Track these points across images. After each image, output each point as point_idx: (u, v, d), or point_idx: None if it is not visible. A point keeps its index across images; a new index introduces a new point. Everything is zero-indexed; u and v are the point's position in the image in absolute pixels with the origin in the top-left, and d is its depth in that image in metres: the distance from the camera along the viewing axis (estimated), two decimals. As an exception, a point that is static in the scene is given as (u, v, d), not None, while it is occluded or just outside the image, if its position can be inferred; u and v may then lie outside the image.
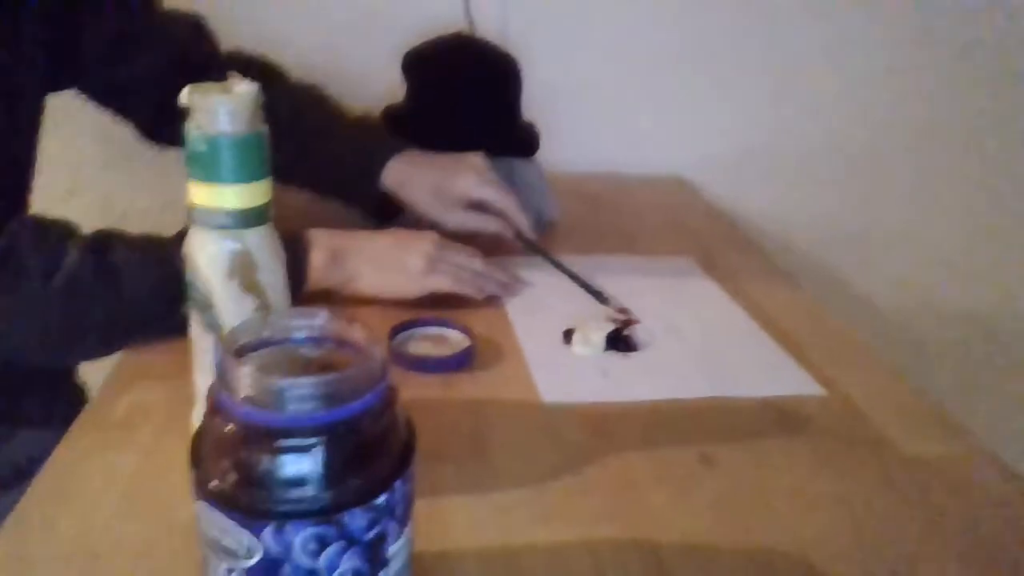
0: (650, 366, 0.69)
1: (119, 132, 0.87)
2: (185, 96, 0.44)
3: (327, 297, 0.73)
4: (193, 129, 0.44)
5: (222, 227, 0.45)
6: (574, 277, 0.81)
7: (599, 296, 0.79)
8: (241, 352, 0.36)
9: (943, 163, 1.38)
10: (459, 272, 0.77)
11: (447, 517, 0.49)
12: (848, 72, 1.30)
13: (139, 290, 0.60)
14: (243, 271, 0.45)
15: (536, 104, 1.18)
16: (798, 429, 0.62)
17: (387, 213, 0.88)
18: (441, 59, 0.98)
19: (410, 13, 1.16)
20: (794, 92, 1.30)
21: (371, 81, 1.12)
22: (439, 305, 0.75)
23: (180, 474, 0.35)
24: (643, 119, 1.28)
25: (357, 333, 0.37)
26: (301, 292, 0.72)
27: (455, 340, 0.70)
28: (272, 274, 0.46)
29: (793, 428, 0.62)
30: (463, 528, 0.49)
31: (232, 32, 0.89)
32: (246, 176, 0.44)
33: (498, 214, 0.84)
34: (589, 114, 1.27)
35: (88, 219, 0.64)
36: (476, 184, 0.84)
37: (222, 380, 0.33)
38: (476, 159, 0.86)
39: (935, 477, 0.57)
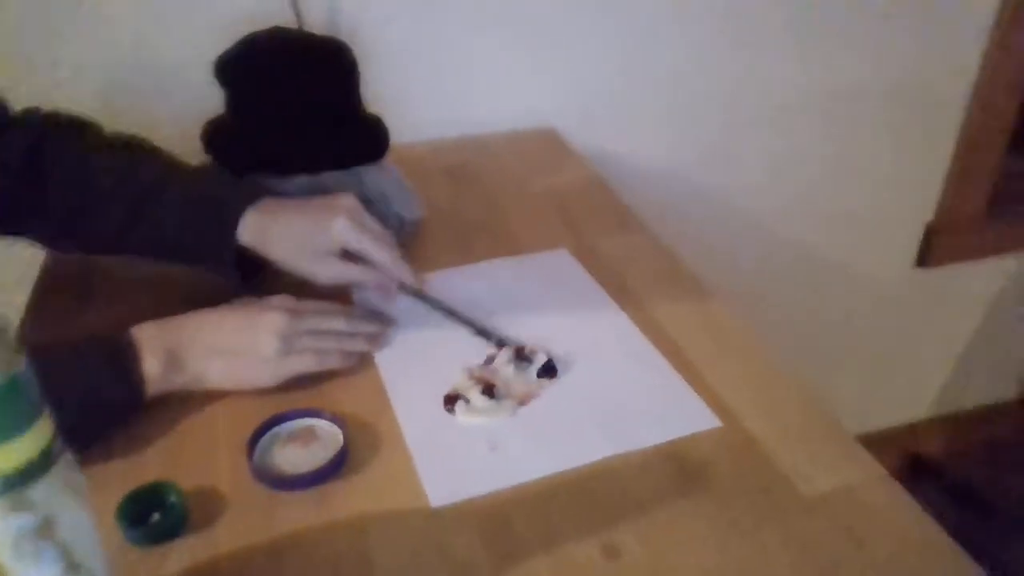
0: (538, 425, 0.64)
1: None
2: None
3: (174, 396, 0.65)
4: (-78, 393, 0.34)
5: (-6, 494, 0.36)
6: (467, 322, 0.74)
7: (491, 336, 0.73)
8: None
9: (804, 105, 1.34)
10: (320, 343, 0.69)
11: None
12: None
13: None
14: (35, 538, 0.37)
15: (388, 74, 1.08)
16: (698, 482, 0.59)
17: (248, 271, 0.75)
18: (256, 59, 0.85)
19: (228, 12, 1.01)
20: (651, 30, 1.22)
21: (192, 94, 0.99)
22: (302, 382, 0.68)
23: None
24: (500, 69, 1.18)
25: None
26: (139, 410, 0.63)
27: (326, 435, 0.63)
28: (75, 526, 0.38)
29: (693, 482, 0.59)
30: None
31: (30, 59, 0.74)
32: (8, 432, 0.35)
33: (375, 266, 0.74)
34: (442, 74, 1.15)
35: None
36: (350, 231, 0.71)
37: None
38: (346, 200, 0.74)
39: (833, 520, 0.56)
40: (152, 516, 0.56)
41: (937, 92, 1.40)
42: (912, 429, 1.84)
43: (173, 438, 0.64)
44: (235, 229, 0.72)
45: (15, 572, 0.37)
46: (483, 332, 0.73)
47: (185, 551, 0.55)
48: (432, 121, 1.16)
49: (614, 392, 0.68)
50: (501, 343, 0.72)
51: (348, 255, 0.74)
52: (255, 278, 0.76)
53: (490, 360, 0.70)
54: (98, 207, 0.72)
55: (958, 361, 1.79)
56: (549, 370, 0.69)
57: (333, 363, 0.69)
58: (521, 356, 0.69)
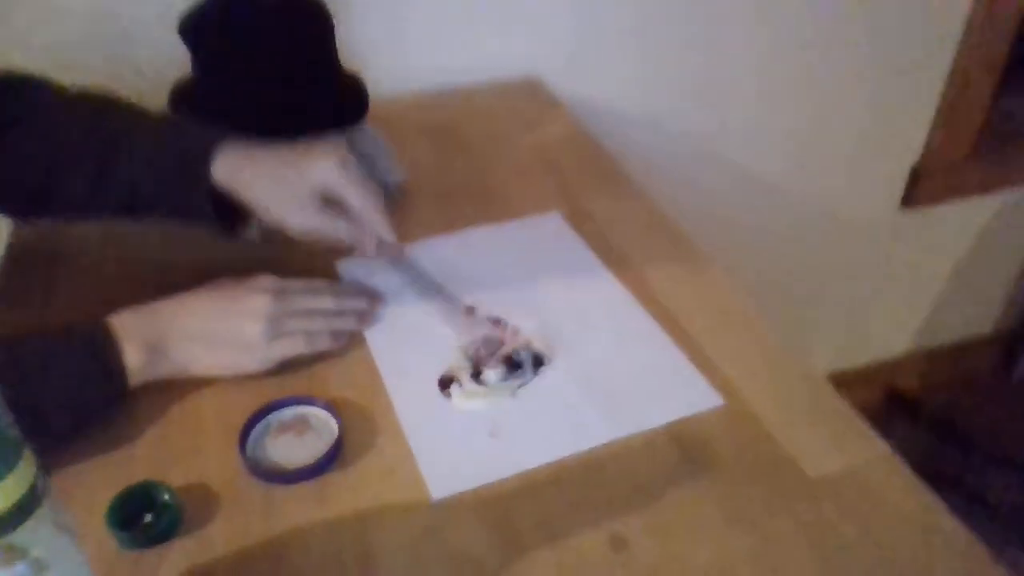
0: (538, 409, 0.63)
1: None
2: None
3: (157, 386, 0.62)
4: None
5: (-21, 540, 0.34)
6: (442, 293, 0.71)
7: (467, 310, 0.70)
8: None
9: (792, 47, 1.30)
10: (309, 324, 0.66)
11: None
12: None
13: None
14: (27, 581, 0.35)
15: (361, 24, 1.03)
16: (703, 466, 0.58)
17: (233, 219, 0.70)
18: (226, 18, 0.79)
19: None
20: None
21: (154, 52, 0.93)
22: (292, 366, 0.65)
23: None
24: (479, 14, 1.12)
25: None
26: (121, 403, 0.60)
27: (320, 423, 0.61)
28: (68, 566, 0.36)
29: (698, 466, 0.58)
30: None
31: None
32: (-10, 477, 0.33)
33: (356, 218, 0.69)
34: (419, 21, 1.09)
35: None
36: (333, 172, 0.66)
37: None
38: (334, 145, 0.68)
39: (840, 503, 0.55)
40: (144, 518, 0.55)
41: (927, 31, 1.36)
42: (890, 365, 1.87)
43: (159, 432, 0.61)
44: (209, 167, 0.66)
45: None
46: (460, 308, 0.70)
47: (181, 554, 0.53)
48: (410, 72, 1.11)
49: (614, 370, 0.66)
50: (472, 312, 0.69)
51: (326, 205, 0.69)
52: (239, 226, 0.71)
53: (478, 373, 0.65)
54: (66, 162, 0.67)
55: (938, 297, 1.80)
56: (538, 362, 0.67)
57: (323, 345, 0.66)
58: (510, 363, 0.66)
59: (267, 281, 0.66)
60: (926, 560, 0.52)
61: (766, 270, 1.55)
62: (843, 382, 1.74)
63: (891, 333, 1.85)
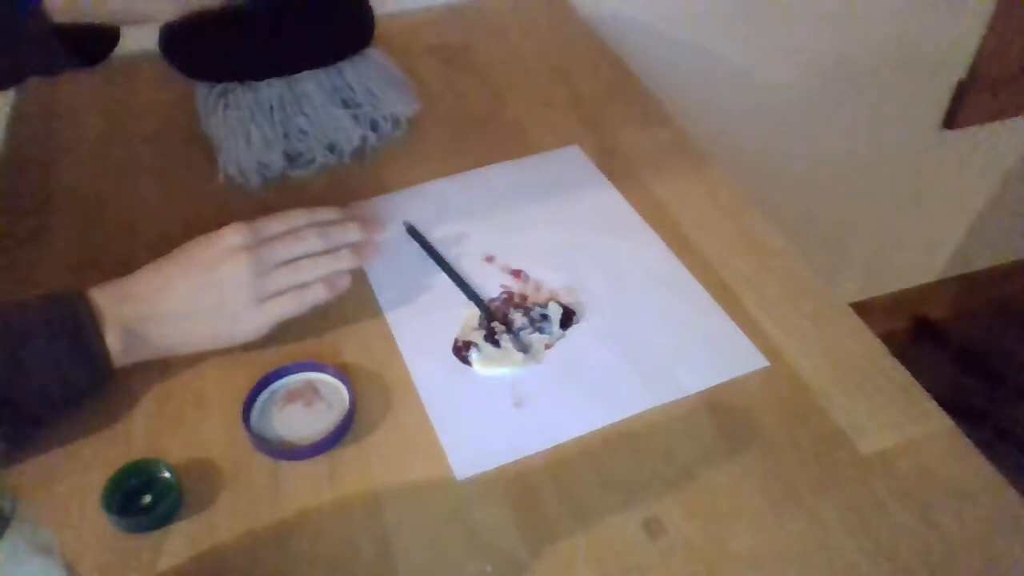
0: (567, 373, 0.58)
1: None
2: None
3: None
4: None
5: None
6: (459, 281, 0.64)
7: (483, 308, 0.62)
8: None
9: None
10: (297, 277, 0.58)
11: None
12: None
13: None
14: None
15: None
16: (746, 440, 0.53)
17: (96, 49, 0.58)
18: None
19: None
20: None
21: None
22: (296, 329, 0.60)
23: None
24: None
25: None
26: (105, 386, 0.55)
27: (329, 391, 0.57)
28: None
29: (741, 440, 0.53)
30: None
31: None
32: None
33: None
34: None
35: None
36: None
37: None
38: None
39: (895, 483, 0.51)
40: (143, 499, 0.51)
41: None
42: (919, 292, 1.81)
43: (156, 403, 0.57)
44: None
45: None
46: (476, 301, 0.62)
47: (183, 537, 0.49)
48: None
49: (648, 329, 0.60)
50: (487, 311, 0.62)
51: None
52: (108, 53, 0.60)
53: (491, 334, 0.60)
54: None
55: (973, 222, 1.72)
56: (567, 317, 0.61)
57: (319, 297, 0.58)
58: (534, 319, 0.61)
59: (238, 235, 0.56)
60: (992, 548, 0.48)
61: (795, 196, 1.47)
62: (869, 310, 1.70)
63: (921, 260, 1.78)
